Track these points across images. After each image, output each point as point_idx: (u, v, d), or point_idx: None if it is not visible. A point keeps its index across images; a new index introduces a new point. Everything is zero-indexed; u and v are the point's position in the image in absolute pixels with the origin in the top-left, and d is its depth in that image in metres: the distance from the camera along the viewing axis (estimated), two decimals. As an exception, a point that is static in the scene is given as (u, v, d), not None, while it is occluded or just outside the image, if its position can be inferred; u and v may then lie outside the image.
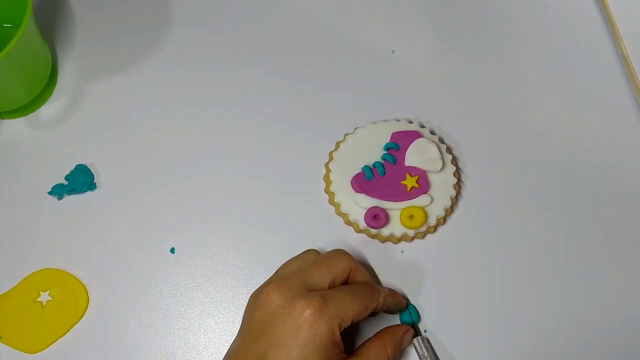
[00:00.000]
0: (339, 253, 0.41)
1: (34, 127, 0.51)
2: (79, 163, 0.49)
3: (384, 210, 0.45)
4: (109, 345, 0.45)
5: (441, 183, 0.46)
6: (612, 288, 0.45)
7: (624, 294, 0.45)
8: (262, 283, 0.46)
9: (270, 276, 0.42)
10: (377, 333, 0.42)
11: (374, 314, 0.41)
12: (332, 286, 0.39)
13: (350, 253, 0.41)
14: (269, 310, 0.37)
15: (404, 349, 0.44)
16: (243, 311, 0.46)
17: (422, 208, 0.45)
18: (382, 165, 0.46)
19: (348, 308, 0.38)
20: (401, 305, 0.44)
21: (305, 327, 0.36)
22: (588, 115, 0.50)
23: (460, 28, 0.53)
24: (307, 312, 0.36)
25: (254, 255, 0.47)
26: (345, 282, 0.41)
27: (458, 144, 0.50)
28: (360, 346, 0.41)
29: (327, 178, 0.47)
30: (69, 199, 0.49)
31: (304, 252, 0.43)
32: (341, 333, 0.38)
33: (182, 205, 0.48)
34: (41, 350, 0.45)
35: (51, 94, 0.52)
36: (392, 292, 0.43)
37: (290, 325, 0.36)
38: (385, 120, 0.49)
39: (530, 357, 0.44)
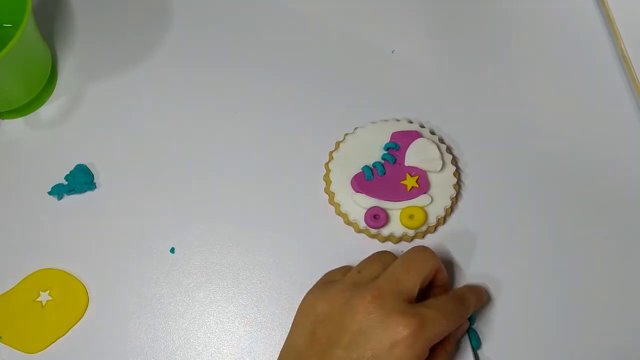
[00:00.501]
0: (425, 253, 0.40)
1: (34, 127, 0.51)
2: (78, 163, 0.49)
3: (384, 210, 0.45)
4: (108, 345, 0.45)
5: (441, 183, 0.46)
6: (612, 287, 0.45)
7: (625, 292, 0.45)
8: (263, 283, 0.46)
9: (316, 278, 0.42)
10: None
11: None
12: (420, 289, 0.39)
13: (433, 251, 0.41)
14: (365, 322, 0.37)
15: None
16: (243, 311, 0.46)
17: (422, 208, 0.45)
18: (382, 165, 0.46)
19: (441, 331, 0.37)
20: (483, 301, 0.44)
21: (401, 346, 0.36)
22: (588, 115, 0.50)
23: (460, 28, 0.53)
24: (405, 332, 0.36)
25: (254, 255, 0.47)
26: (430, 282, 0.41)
27: (458, 144, 0.50)
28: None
29: (327, 178, 0.47)
30: (68, 199, 0.49)
31: (380, 253, 0.42)
32: None
33: (182, 205, 0.48)
34: (41, 350, 0.45)
35: (51, 94, 0.52)
36: (479, 298, 0.43)
37: (387, 341, 0.36)
38: (385, 120, 0.49)
39: (533, 358, 0.44)
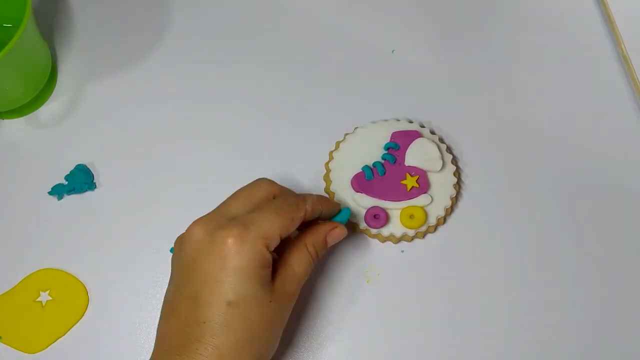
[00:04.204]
0: (258, 181, 0.40)
1: (34, 127, 0.51)
2: (78, 163, 0.49)
3: (384, 210, 0.45)
4: (108, 345, 0.45)
5: (441, 183, 0.46)
6: (613, 287, 0.45)
7: (626, 294, 0.45)
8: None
9: None
10: (299, 235, 0.40)
11: (305, 223, 0.40)
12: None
13: (273, 180, 0.40)
14: (192, 248, 0.37)
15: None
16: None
17: (422, 208, 0.45)
18: (382, 165, 0.46)
19: (271, 225, 0.37)
20: (334, 209, 0.42)
21: (231, 256, 0.35)
22: (588, 115, 0.50)
23: (461, 28, 0.53)
24: (230, 241, 0.35)
25: (254, 255, 0.47)
26: None
27: (458, 144, 0.49)
28: (282, 254, 0.39)
29: (327, 178, 0.47)
30: (68, 199, 0.49)
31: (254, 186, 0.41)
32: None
33: (182, 205, 0.48)
34: (41, 350, 0.45)
35: (51, 94, 0.52)
36: (321, 198, 0.41)
37: (215, 258, 0.36)
38: (385, 120, 0.49)
39: (530, 357, 0.44)
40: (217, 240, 0.36)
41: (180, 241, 0.38)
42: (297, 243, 0.40)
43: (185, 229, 0.37)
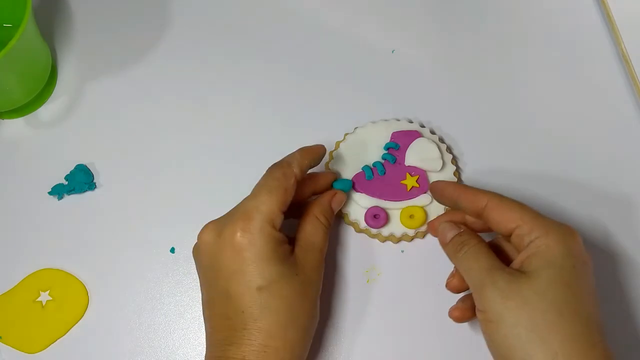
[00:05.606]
0: (276, 170, 0.41)
1: (34, 127, 0.51)
2: (79, 163, 0.49)
3: (384, 210, 0.45)
4: (108, 345, 0.45)
5: (441, 183, 0.46)
6: (616, 288, 0.45)
7: (629, 294, 0.45)
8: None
9: None
10: (306, 209, 0.43)
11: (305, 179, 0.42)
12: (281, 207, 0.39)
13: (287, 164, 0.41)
14: (207, 251, 0.39)
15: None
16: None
17: (422, 208, 0.45)
18: (382, 164, 0.46)
19: (269, 205, 0.38)
20: (320, 153, 0.43)
21: (245, 247, 0.37)
22: (588, 115, 0.50)
23: (461, 28, 0.53)
24: (239, 235, 0.38)
25: (254, 255, 0.47)
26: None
27: (458, 143, 0.49)
28: (297, 229, 0.42)
29: (327, 178, 0.47)
30: (69, 199, 0.49)
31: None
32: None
33: (182, 205, 0.48)
34: (41, 350, 0.45)
35: (51, 94, 0.52)
36: (303, 152, 0.42)
37: (231, 253, 0.38)
38: (385, 120, 0.49)
39: None
40: (226, 237, 0.38)
41: (196, 249, 0.41)
42: (307, 217, 0.42)
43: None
